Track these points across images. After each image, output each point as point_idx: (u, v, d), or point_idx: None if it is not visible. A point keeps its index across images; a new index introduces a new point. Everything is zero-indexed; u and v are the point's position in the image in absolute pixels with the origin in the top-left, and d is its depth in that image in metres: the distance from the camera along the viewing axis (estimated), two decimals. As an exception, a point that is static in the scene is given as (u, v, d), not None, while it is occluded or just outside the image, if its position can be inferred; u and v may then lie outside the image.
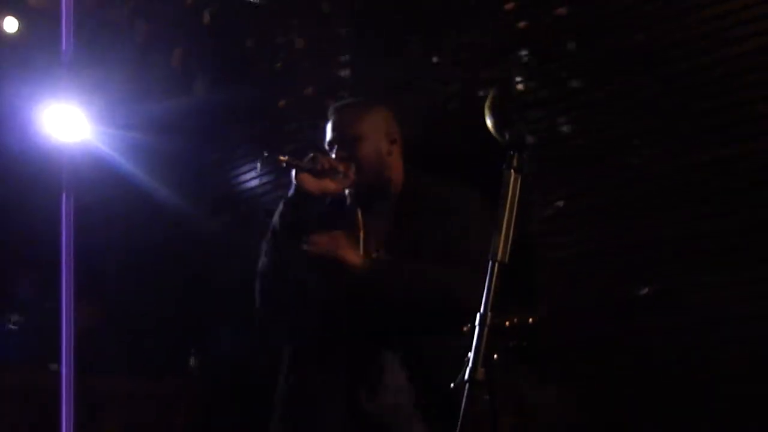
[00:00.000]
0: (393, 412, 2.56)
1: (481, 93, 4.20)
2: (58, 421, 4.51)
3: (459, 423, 1.79)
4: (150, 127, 5.04)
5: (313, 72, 5.03)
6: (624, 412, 3.66)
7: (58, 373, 4.48)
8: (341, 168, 2.65)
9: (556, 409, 3.70)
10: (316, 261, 2.58)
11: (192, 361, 5.22)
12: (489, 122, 1.95)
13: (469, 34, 4.37)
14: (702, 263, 3.56)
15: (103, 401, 4.98)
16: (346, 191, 2.74)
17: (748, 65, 3.48)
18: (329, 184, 2.65)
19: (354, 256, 2.57)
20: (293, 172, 2.64)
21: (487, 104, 1.97)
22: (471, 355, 1.81)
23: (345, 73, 4.95)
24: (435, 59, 4.52)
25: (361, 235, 2.69)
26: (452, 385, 1.82)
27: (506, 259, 1.85)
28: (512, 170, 1.88)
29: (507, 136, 1.92)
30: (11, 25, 5.20)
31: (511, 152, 1.89)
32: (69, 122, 4.59)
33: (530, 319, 2.41)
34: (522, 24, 4.19)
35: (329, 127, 2.78)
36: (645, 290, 3.66)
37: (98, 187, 5.01)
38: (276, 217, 2.72)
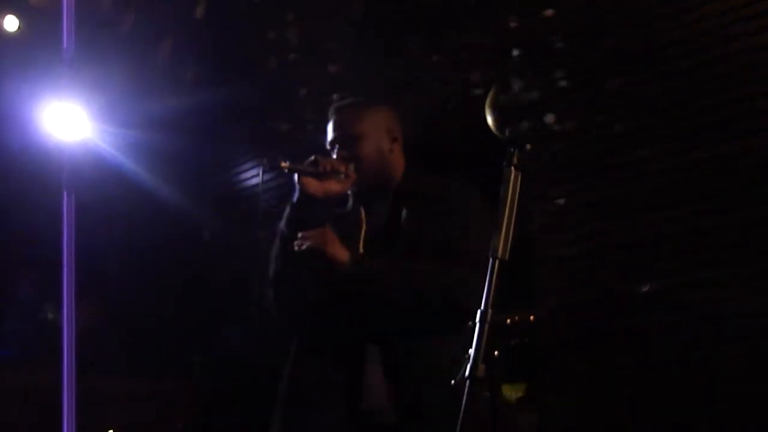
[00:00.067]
0: (387, 412, 2.55)
1: (480, 92, 4.20)
2: (58, 421, 4.52)
3: (459, 419, 1.78)
4: (151, 126, 5.05)
5: (314, 71, 5.03)
6: (624, 412, 3.66)
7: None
8: (343, 169, 2.66)
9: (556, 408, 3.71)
10: (304, 257, 2.58)
11: (194, 360, 5.23)
12: (489, 120, 1.95)
13: (468, 34, 4.38)
14: (702, 260, 3.57)
15: (104, 401, 4.99)
16: (349, 191, 2.74)
17: (747, 62, 3.49)
18: (332, 186, 2.65)
19: (341, 252, 2.57)
20: (296, 177, 2.65)
21: (487, 102, 1.97)
22: (471, 351, 1.81)
23: (345, 72, 4.95)
24: (434, 59, 4.52)
25: (362, 233, 2.70)
26: (453, 381, 1.81)
27: (506, 256, 1.85)
28: (512, 167, 1.89)
29: (507, 134, 1.92)
30: (12, 23, 5.20)
31: (511, 149, 1.89)
32: (70, 121, 4.58)
33: (531, 317, 2.42)
34: (521, 22, 4.19)
35: (330, 126, 2.78)
36: (646, 287, 3.66)
37: (99, 186, 5.01)
38: (282, 223, 2.72)
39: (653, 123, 3.75)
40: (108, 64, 5.01)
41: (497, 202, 1.88)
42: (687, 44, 3.67)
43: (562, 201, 4.00)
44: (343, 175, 2.65)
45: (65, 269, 4.37)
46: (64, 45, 4.45)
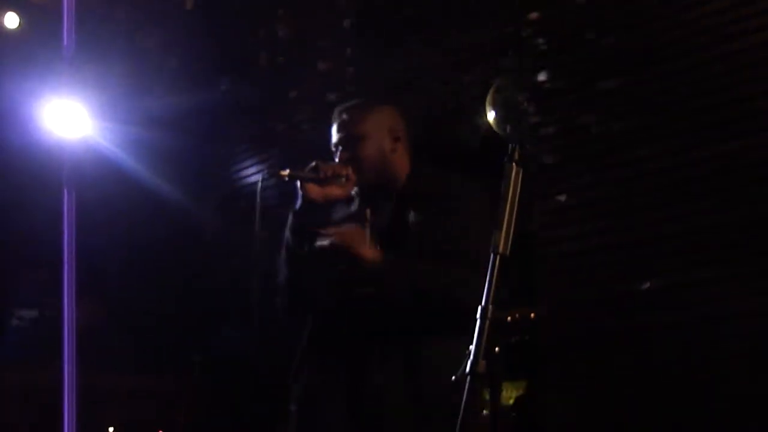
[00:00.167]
0: (391, 413, 2.55)
1: (481, 90, 4.19)
2: (58, 420, 4.52)
3: (460, 415, 1.78)
4: (151, 124, 5.05)
5: (315, 68, 5.03)
6: (624, 412, 3.65)
7: (62, 369, 4.48)
8: (344, 172, 2.66)
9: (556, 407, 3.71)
10: (330, 255, 2.58)
11: (194, 358, 5.23)
12: (490, 116, 1.95)
13: (468, 34, 4.38)
14: (702, 259, 3.56)
15: (105, 399, 4.98)
16: (353, 192, 2.74)
17: (747, 61, 3.49)
18: (334, 190, 2.66)
19: (369, 251, 2.57)
20: (298, 184, 2.65)
21: (488, 99, 1.97)
22: (472, 348, 1.81)
23: (346, 69, 4.95)
24: (434, 58, 4.52)
25: (367, 232, 2.70)
26: (453, 378, 1.81)
27: (507, 252, 1.85)
28: (513, 163, 1.88)
29: (508, 130, 1.93)
30: (12, 20, 5.20)
31: (513, 145, 1.89)
32: (70, 118, 4.59)
33: (531, 314, 2.42)
34: (522, 21, 4.19)
35: (334, 128, 2.79)
36: (646, 284, 3.66)
37: (100, 184, 5.01)
38: (287, 232, 2.73)
39: (653, 122, 3.75)
40: (108, 62, 5.01)
41: (498, 199, 1.88)
42: (687, 43, 3.66)
43: (563, 198, 3.99)
44: (344, 179, 2.66)
45: (66, 267, 4.38)
46: (65, 42, 4.46)
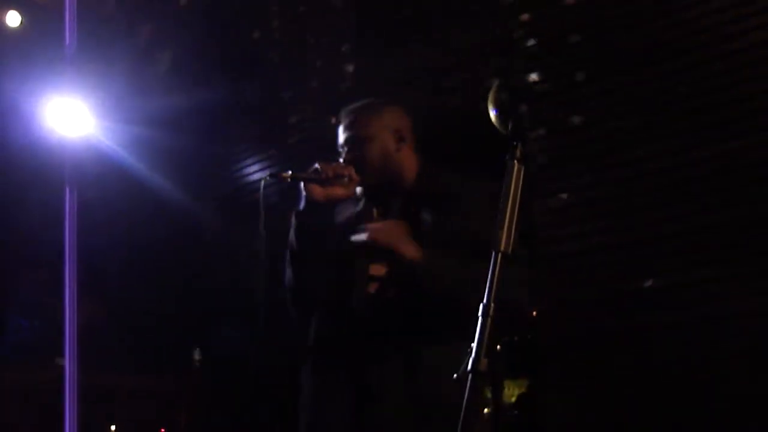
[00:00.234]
0: (392, 413, 2.55)
1: (483, 87, 4.19)
2: (59, 420, 4.52)
3: (462, 413, 1.78)
4: (153, 123, 5.05)
5: (315, 68, 5.03)
6: (624, 411, 3.65)
7: (63, 369, 4.48)
8: (346, 172, 2.67)
9: (557, 406, 3.70)
10: (371, 249, 2.57)
11: (196, 357, 5.23)
12: (492, 114, 1.96)
13: (469, 33, 4.38)
14: (702, 259, 3.56)
15: (105, 399, 4.99)
16: (358, 191, 2.75)
17: (747, 60, 3.49)
18: (337, 190, 2.67)
19: (412, 247, 2.55)
20: (301, 185, 2.66)
21: (489, 96, 1.97)
22: (474, 345, 1.81)
23: (346, 69, 4.95)
24: (436, 56, 4.52)
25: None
26: (455, 376, 1.81)
27: (509, 250, 1.85)
28: (515, 161, 1.89)
29: (510, 127, 1.93)
30: (14, 19, 5.20)
31: (514, 143, 1.90)
32: (72, 117, 4.59)
33: (534, 313, 2.42)
34: (522, 21, 4.19)
35: (341, 129, 2.81)
36: (648, 283, 3.66)
37: (101, 183, 5.01)
38: (291, 233, 2.73)
39: (653, 121, 3.75)
40: (110, 61, 5.01)
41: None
42: (687, 42, 3.67)
43: (564, 196, 4.00)
44: (346, 179, 2.66)
45: (67, 267, 4.38)
46: (67, 41, 4.46)
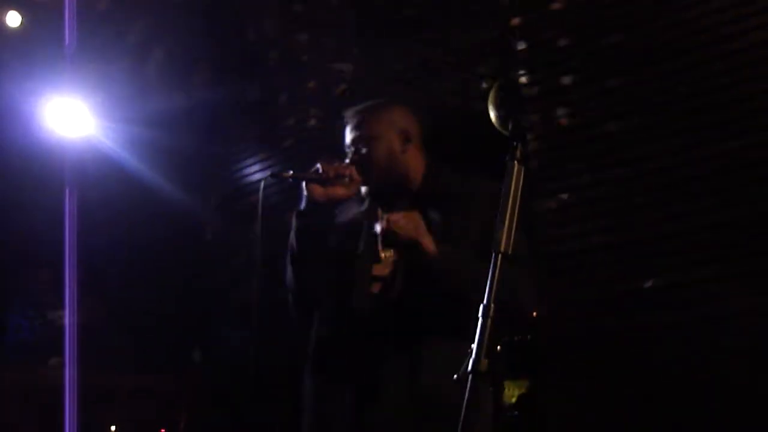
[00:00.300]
0: (395, 418, 2.55)
1: (482, 88, 4.20)
2: (59, 420, 4.52)
3: (462, 414, 1.78)
4: (153, 123, 5.04)
5: (315, 68, 5.03)
6: (624, 411, 3.65)
7: (59, 368, 4.48)
8: (347, 172, 2.67)
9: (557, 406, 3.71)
10: (390, 240, 2.56)
11: (196, 357, 5.23)
12: (492, 114, 1.96)
13: (469, 33, 4.38)
14: (703, 259, 3.57)
15: (106, 399, 4.98)
16: (362, 191, 2.75)
17: (747, 60, 3.49)
18: (338, 190, 2.66)
19: (430, 241, 2.54)
20: (303, 185, 2.66)
21: (490, 97, 1.97)
22: (474, 346, 1.81)
23: (347, 67, 4.95)
24: (437, 56, 4.52)
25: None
26: (455, 376, 1.81)
27: (510, 251, 1.85)
28: (515, 161, 1.89)
29: (510, 128, 1.93)
30: (14, 19, 5.20)
31: (515, 143, 1.90)
32: (72, 117, 4.59)
33: (534, 314, 2.42)
34: (523, 20, 4.20)
35: (347, 129, 2.81)
36: (649, 283, 3.66)
37: (101, 183, 5.01)
38: (291, 235, 2.73)
39: (653, 121, 3.75)
40: (110, 61, 5.01)
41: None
42: (687, 42, 3.67)
43: (564, 197, 4.00)
44: (347, 179, 2.66)
45: (67, 267, 4.38)
46: (67, 41, 4.46)
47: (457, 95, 4.38)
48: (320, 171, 2.64)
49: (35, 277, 5.62)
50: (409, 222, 2.54)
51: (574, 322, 3.82)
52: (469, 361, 1.80)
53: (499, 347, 1.83)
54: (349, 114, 2.83)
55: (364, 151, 2.73)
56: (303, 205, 2.69)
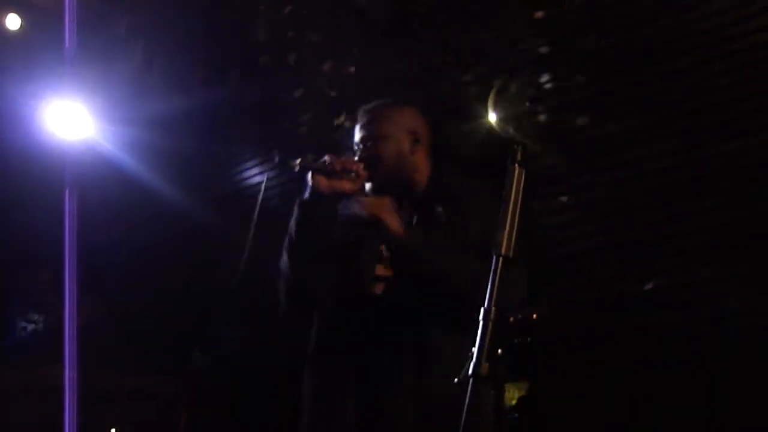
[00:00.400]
0: (397, 418, 2.55)
1: (482, 90, 4.19)
2: (59, 421, 4.51)
3: (462, 418, 1.78)
4: (153, 125, 5.04)
5: (315, 69, 5.03)
6: (624, 412, 3.66)
7: (61, 372, 4.48)
8: (354, 168, 2.67)
9: (557, 407, 3.71)
10: (358, 221, 2.59)
11: (197, 358, 5.22)
12: (492, 117, 1.96)
13: (469, 34, 4.38)
14: (702, 259, 3.57)
15: (106, 400, 4.98)
16: (367, 188, 2.75)
17: (747, 60, 3.49)
18: (343, 185, 2.66)
19: (395, 222, 2.57)
20: (308, 175, 2.66)
21: (490, 99, 1.97)
22: (475, 350, 1.81)
23: (348, 69, 4.94)
24: (438, 58, 4.52)
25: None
26: (456, 380, 1.81)
27: (510, 254, 1.85)
28: (516, 164, 1.89)
29: (511, 131, 1.93)
30: (14, 22, 5.19)
31: (515, 146, 1.90)
32: (72, 119, 4.59)
33: (534, 315, 2.42)
34: (523, 22, 4.19)
35: (357, 127, 2.82)
36: (649, 285, 3.67)
37: (101, 185, 5.01)
38: (291, 222, 2.73)
39: (653, 122, 3.76)
40: (109, 64, 5.01)
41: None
42: (687, 43, 3.67)
43: (565, 199, 4.00)
44: (354, 174, 2.66)
45: (67, 268, 4.38)
46: (66, 44, 4.46)
47: (457, 96, 4.38)
48: (328, 163, 2.64)
49: (35, 277, 5.62)
50: (375, 201, 2.58)
51: (575, 323, 3.82)
52: (470, 365, 1.80)
53: (500, 351, 1.83)
54: (359, 112, 2.84)
55: (373, 149, 2.73)
56: (307, 194, 2.69)
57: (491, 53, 4.27)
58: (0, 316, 5.55)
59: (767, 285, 3.39)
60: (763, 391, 3.29)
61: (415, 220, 2.71)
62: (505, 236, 1.86)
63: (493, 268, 1.85)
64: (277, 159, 2.73)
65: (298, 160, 2.62)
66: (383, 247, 2.66)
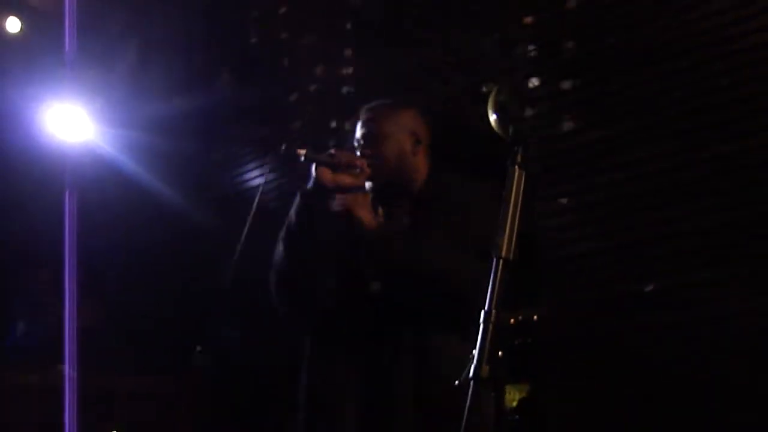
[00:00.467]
0: (397, 419, 2.55)
1: (482, 91, 4.20)
2: (59, 421, 4.52)
3: (463, 420, 1.78)
4: (152, 127, 5.05)
5: (315, 69, 5.03)
6: (624, 412, 3.66)
7: (61, 372, 4.48)
8: (359, 163, 2.67)
9: (557, 407, 3.71)
10: (334, 218, 2.62)
11: (198, 358, 5.22)
12: (492, 118, 1.96)
13: (469, 34, 4.38)
14: (702, 260, 3.56)
15: (106, 400, 4.98)
16: (367, 187, 2.75)
17: (747, 61, 3.49)
18: (346, 179, 2.66)
19: (367, 215, 2.60)
20: (312, 166, 2.66)
21: (490, 100, 1.97)
22: (476, 352, 1.81)
23: (347, 70, 4.95)
24: (437, 58, 4.52)
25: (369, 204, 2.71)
26: (456, 382, 1.81)
27: (510, 256, 1.85)
28: (516, 166, 1.89)
29: (511, 132, 1.93)
30: (14, 25, 5.20)
31: (515, 148, 1.90)
32: (72, 122, 4.59)
33: (534, 316, 2.41)
34: (527, 20, 4.19)
35: (358, 125, 2.83)
36: (649, 287, 3.67)
37: (101, 186, 5.01)
38: (292, 211, 2.73)
39: (652, 123, 3.75)
40: (109, 66, 5.02)
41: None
42: (687, 43, 3.67)
43: (564, 201, 4.00)
44: (358, 170, 2.67)
45: (67, 269, 4.38)
46: (66, 47, 4.47)
47: (457, 97, 4.38)
48: (333, 155, 2.64)
49: (35, 277, 5.62)
50: (351, 199, 2.61)
51: (575, 324, 3.82)
52: (470, 367, 1.80)
53: (501, 353, 1.83)
54: (361, 110, 2.84)
55: (374, 147, 2.74)
56: (310, 185, 2.68)
57: (491, 54, 4.27)
58: (0, 317, 5.55)
59: (767, 285, 3.39)
60: (763, 391, 3.29)
61: (409, 220, 2.72)
62: (506, 239, 1.86)
63: (493, 270, 1.85)
64: (282, 148, 2.73)
65: (304, 150, 2.62)
66: None
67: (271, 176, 5.18)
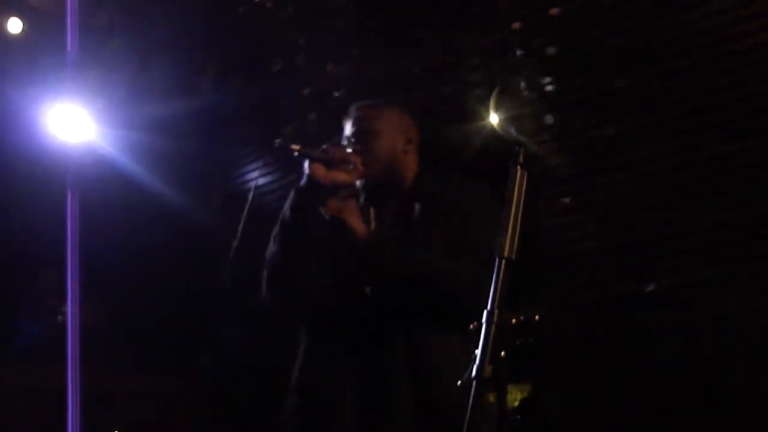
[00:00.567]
0: (399, 415, 2.55)
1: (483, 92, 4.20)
2: (60, 421, 4.51)
3: (466, 420, 1.78)
4: (154, 128, 5.04)
5: (315, 70, 5.03)
6: (624, 412, 3.66)
7: (62, 372, 4.48)
8: (352, 159, 2.68)
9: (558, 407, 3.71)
10: (326, 224, 2.63)
11: (196, 359, 5.23)
12: (494, 119, 1.96)
13: (469, 34, 4.38)
14: (702, 260, 3.57)
15: (107, 400, 4.98)
16: (358, 185, 2.75)
17: (747, 61, 3.50)
18: (339, 175, 2.66)
19: (357, 222, 2.61)
20: (306, 163, 2.66)
21: (491, 101, 1.97)
22: (478, 352, 1.81)
23: (347, 71, 4.95)
24: (437, 59, 4.52)
25: (357, 207, 2.72)
26: (459, 382, 1.81)
27: (513, 256, 1.85)
28: (518, 166, 1.89)
29: (513, 132, 1.93)
30: (15, 26, 5.20)
31: (517, 148, 1.90)
32: (74, 122, 4.59)
33: (536, 316, 2.42)
34: (524, 22, 4.20)
35: (348, 123, 2.82)
36: (650, 287, 3.67)
37: (102, 187, 5.01)
38: (286, 206, 2.73)
39: (653, 122, 3.76)
40: (111, 67, 5.01)
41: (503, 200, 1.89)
42: (687, 43, 3.68)
43: (567, 200, 4.00)
44: (351, 166, 2.67)
45: (69, 269, 4.37)
46: (68, 48, 4.46)
47: (457, 98, 4.38)
48: (326, 152, 2.65)
49: (37, 277, 5.62)
50: (340, 205, 2.62)
51: (576, 324, 3.83)
52: (473, 368, 1.80)
53: (503, 353, 1.83)
54: (351, 108, 2.84)
55: (365, 144, 2.73)
56: (302, 181, 2.68)
57: (492, 54, 4.27)
58: (2, 317, 5.55)
59: (767, 285, 3.40)
60: (763, 391, 3.30)
61: (394, 219, 2.72)
62: (508, 239, 1.86)
63: (495, 270, 1.85)
64: (277, 143, 2.72)
65: (298, 146, 2.62)
66: None
67: (265, 176, 5.18)
